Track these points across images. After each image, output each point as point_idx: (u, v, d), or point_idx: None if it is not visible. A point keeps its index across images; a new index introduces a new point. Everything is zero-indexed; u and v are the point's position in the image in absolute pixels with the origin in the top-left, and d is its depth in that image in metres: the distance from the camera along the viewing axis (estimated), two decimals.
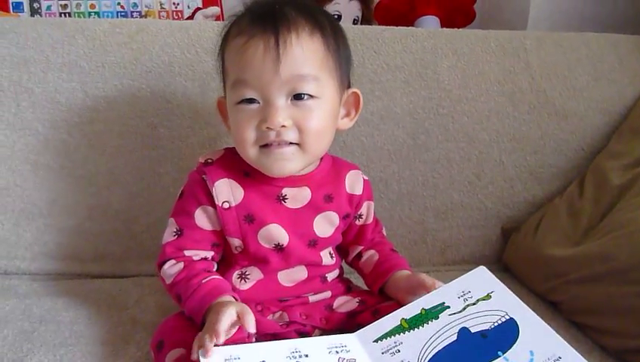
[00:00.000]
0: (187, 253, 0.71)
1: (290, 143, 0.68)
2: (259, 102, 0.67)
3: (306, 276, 0.75)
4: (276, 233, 0.71)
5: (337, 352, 0.63)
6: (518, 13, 1.43)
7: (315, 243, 0.74)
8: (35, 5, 1.46)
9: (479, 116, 1.04)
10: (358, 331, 0.66)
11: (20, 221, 0.94)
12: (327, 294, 0.77)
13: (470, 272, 0.69)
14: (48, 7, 1.46)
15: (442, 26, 1.41)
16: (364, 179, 0.80)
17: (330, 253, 0.77)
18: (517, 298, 0.65)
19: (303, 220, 0.73)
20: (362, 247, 0.82)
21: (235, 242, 0.72)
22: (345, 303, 0.76)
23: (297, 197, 0.73)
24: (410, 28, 1.08)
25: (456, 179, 1.04)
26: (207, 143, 0.96)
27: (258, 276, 0.73)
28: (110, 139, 0.94)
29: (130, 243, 0.97)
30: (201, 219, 0.71)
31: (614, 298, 0.77)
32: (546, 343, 0.59)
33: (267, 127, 0.66)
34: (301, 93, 0.67)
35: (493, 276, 0.68)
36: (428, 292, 0.68)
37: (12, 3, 1.45)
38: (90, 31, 0.94)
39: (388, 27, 1.05)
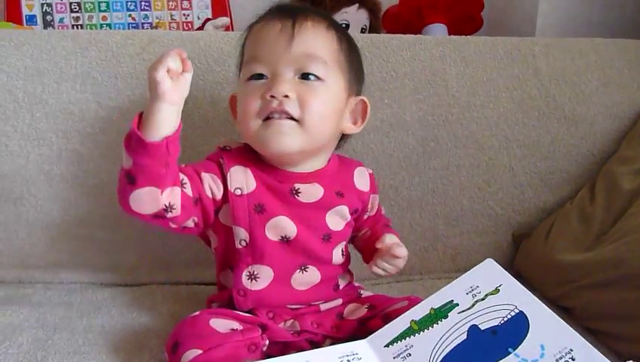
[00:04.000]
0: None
1: (291, 118, 0.69)
2: (267, 77, 0.71)
3: (319, 279, 0.75)
4: (285, 225, 0.72)
5: (349, 361, 0.63)
6: (526, 20, 1.43)
7: (329, 237, 0.75)
8: (48, 18, 1.48)
9: (488, 123, 1.04)
10: (369, 337, 0.66)
11: (34, 230, 0.95)
12: (339, 302, 0.78)
13: (478, 265, 0.69)
14: (61, 20, 1.48)
15: (450, 33, 1.41)
16: (369, 174, 0.83)
17: (342, 251, 0.78)
18: (526, 290, 0.64)
19: (315, 215, 0.74)
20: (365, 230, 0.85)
21: (241, 233, 0.72)
22: (355, 310, 0.77)
23: (310, 191, 0.74)
24: (418, 36, 1.08)
25: (466, 185, 1.04)
26: None
27: (269, 276, 0.73)
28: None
29: (143, 252, 0.97)
30: (208, 179, 0.72)
31: (627, 303, 0.76)
32: (557, 335, 0.58)
33: (271, 95, 0.69)
34: (309, 73, 0.70)
35: (502, 268, 0.67)
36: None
37: (25, 16, 1.47)
38: (102, 42, 0.95)
39: (396, 35, 1.05)
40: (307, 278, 0.75)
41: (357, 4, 1.44)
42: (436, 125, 1.02)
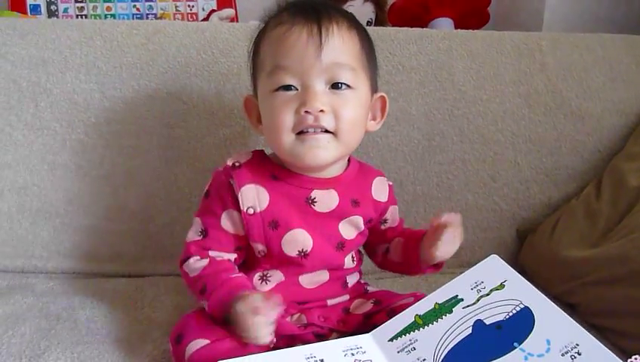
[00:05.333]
0: (211, 253, 0.71)
1: (326, 131, 0.68)
2: (297, 89, 0.68)
3: (328, 278, 0.75)
4: (301, 238, 0.71)
5: (353, 354, 0.63)
6: (533, 15, 1.42)
7: (342, 245, 0.74)
8: (53, 8, 1.47)
9: (494, 117, 1.03)
10: (374, 331, 0.66)
11: (37, 220, 0.95)
12: (346, 297, 0.77)
13: (483, 261, 0.68)
14: (65, 10, 1.47)
15: (456, 28, 1.41)
16: (388, 185, 0.81)
17: (352, 256, 0.78)
18: (531, 285, 0.64)
19: (329, 224, 0.73)
20: (388, 244, 0.82)
21: (259, 247, 0.72)
22: (361, 305, 0.76)
23: (325, 200, 0.73)
24: (424, 29, 1.08)
25: (471, 180, 1.03)
26: (223, 144, 0.96)
27: (279, 278, 0.73)
28: (127, 139, 0.95)
29: (146, 243, 0.97)
30: (227, 222, 0.71)
31: (633, 300, 0.76)
32: (563, 331, 0.58)
33: (306, 111, 0.67)
34: (339, 82, 0.68)
35: (506, 264, 0.67)
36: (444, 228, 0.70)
37: (30, 5, 1.47)
38: (107, 32, 0.95)
39: (402, 28, 1.05)
40: (315, 278, 0.74)
41: None
42: (442, 119, 1.02)
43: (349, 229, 0.75)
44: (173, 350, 0.64)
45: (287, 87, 0.68)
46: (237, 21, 1.49)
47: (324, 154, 0.69)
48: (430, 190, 1.03)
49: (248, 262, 0.75)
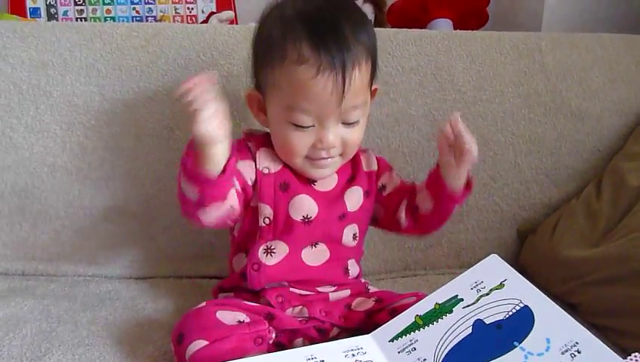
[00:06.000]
0: None
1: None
2: (313, 126, 0.71)
3: (329, 256, 0.77)
4: (307, 203, 0.75)
5: (353, 355, 0.63)
6: (532, 15, 1.42)
7: (344, 216, 0.78)
8: (52, 11, 1.48)
9: (494, 118, 1.03)
10: (374, 331, 0.67)
11: (38, 222, 0.95)
12: (347, 292, 0.78)
13: (482, 261, 0.69)
14: (65, 13, 1.48)
15: (455, 28, 1.41)
16: (376, 157, 0.84)
17: (354, 234, 0.80)
18: (531, 284, 0.64)
19: (333, 197, 0.78)
20: (407, 201, 0.81)
21: (266, 211, 0.74)
22: (362, 303, 0.77)
23: (325, 182, 0.78)
24: (424, 30, 1.08)
25: None
26: None
27: (284, 251, 0.75)
28: (127, 141, 0.95)
29: (147, 245, 0.97)
30: (246, 167, 0.75)
31: (633, 299, 0.76)
32: (562, 329, 0.59)
33: (321, 148, 0.72)
34: (352, 121, 0.73)
35: (506, 263, 0.68)
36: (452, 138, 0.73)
37: (29, 9, 1.47)
38: (107, 35, 0.95)
39: (402, 29, 1.04)
40: (317, 253, 0.77)
41: None
42: (442, 120, 1.01)
43: (350, 201, 0.79)
44: (175, 350, 0.65)
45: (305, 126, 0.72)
46: (236, 23, 1.49)
47: (330, 170, 0.77)
48: None
49: (251, 236, 0.76)
